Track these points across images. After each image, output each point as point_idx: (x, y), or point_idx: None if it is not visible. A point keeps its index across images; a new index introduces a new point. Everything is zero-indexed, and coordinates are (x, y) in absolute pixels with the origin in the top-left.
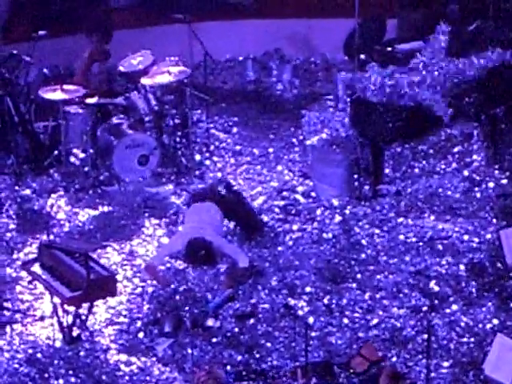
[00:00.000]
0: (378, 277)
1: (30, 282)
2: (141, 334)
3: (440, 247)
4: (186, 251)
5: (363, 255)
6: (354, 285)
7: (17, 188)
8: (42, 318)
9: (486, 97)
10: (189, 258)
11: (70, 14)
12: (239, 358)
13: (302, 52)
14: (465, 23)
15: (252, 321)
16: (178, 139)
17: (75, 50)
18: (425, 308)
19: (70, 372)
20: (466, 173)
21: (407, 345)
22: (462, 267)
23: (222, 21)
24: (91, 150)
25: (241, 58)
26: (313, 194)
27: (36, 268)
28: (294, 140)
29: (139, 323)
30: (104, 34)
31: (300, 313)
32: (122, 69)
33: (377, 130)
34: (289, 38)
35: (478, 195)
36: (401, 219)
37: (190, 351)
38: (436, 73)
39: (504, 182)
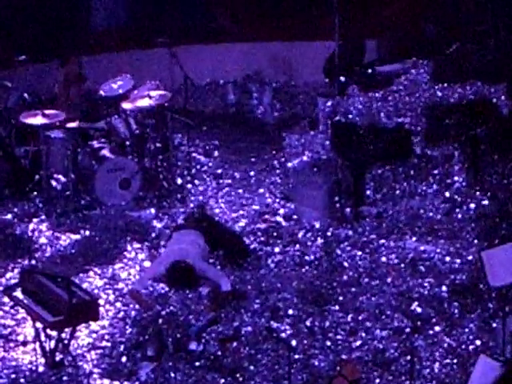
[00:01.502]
0: (361, 299)
1: (11, 307)
2: (124, 358)
3: (422, 268)
4: (167, 274)
5: (345, 277)
6: (337, 307)
7: None
8: (24, 343)
9: (466, 118)
10: (171, 280)
11: (49, 39)
12: (222, 381)
13: (283, 75)
14: (443, 45)
15: (235, 344)
16: (159, 163)
17: (55, 75)
18: (407, 329)
19: None
20: (447, 194)
21: (390, 366)
22: (444, 288)
23: (203, 44)
24: (72, 175)
25: (221, 82)
26: (294, 216)
27: (18, 293)
28: (275, 163)
29: (122, 347)
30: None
31: (283, 335)
32: (102, 93)
33: (358, 152)
34: (269, 60)
35: (460, 216)
36: (382, 241)
37: (172, 375)
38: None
39: (485, 202)
